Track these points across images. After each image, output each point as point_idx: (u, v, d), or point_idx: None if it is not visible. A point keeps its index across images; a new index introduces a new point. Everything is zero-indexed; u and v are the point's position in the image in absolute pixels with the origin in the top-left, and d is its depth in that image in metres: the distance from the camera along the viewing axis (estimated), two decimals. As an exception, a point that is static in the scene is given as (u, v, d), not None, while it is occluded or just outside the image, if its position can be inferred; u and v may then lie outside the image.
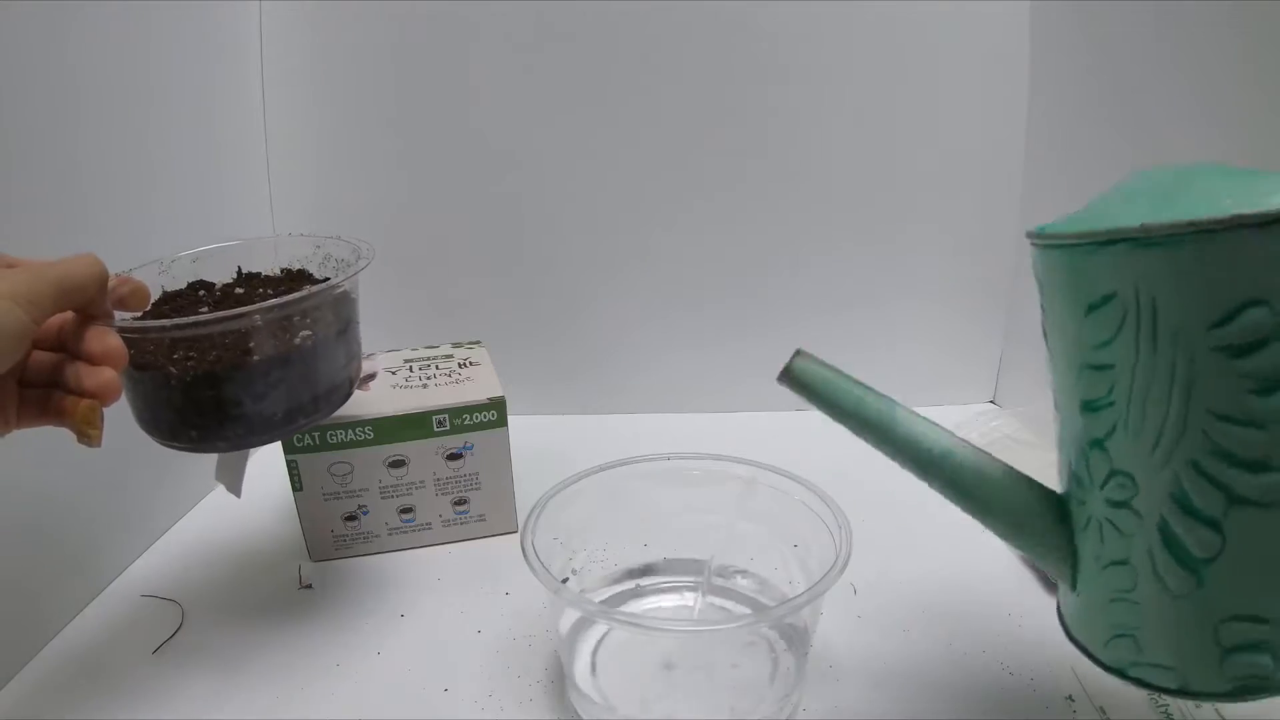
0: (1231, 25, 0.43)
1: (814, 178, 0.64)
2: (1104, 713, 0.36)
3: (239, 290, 0.41)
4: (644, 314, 0.66)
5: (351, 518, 0.48)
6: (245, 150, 0.62)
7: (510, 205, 0.65)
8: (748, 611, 0.41)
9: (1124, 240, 0.22)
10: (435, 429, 0.47)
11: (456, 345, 0.58)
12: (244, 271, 0.43)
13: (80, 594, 0.44)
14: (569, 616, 0.37)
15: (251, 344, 0.34)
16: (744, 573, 0.45)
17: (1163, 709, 0.36)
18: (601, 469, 0.41)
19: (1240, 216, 0.20)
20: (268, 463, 0.60)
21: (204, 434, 0.35)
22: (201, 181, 0.56)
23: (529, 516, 0.37)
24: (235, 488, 0.42)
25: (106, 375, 0.32)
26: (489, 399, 0.48)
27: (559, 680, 0.38)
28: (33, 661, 0.40)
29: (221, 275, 0.42)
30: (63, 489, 0.42)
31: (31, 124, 0.40)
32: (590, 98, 0.63)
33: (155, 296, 0.38)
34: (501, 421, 0.48)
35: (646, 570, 0.44)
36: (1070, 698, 0.37)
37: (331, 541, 0.48)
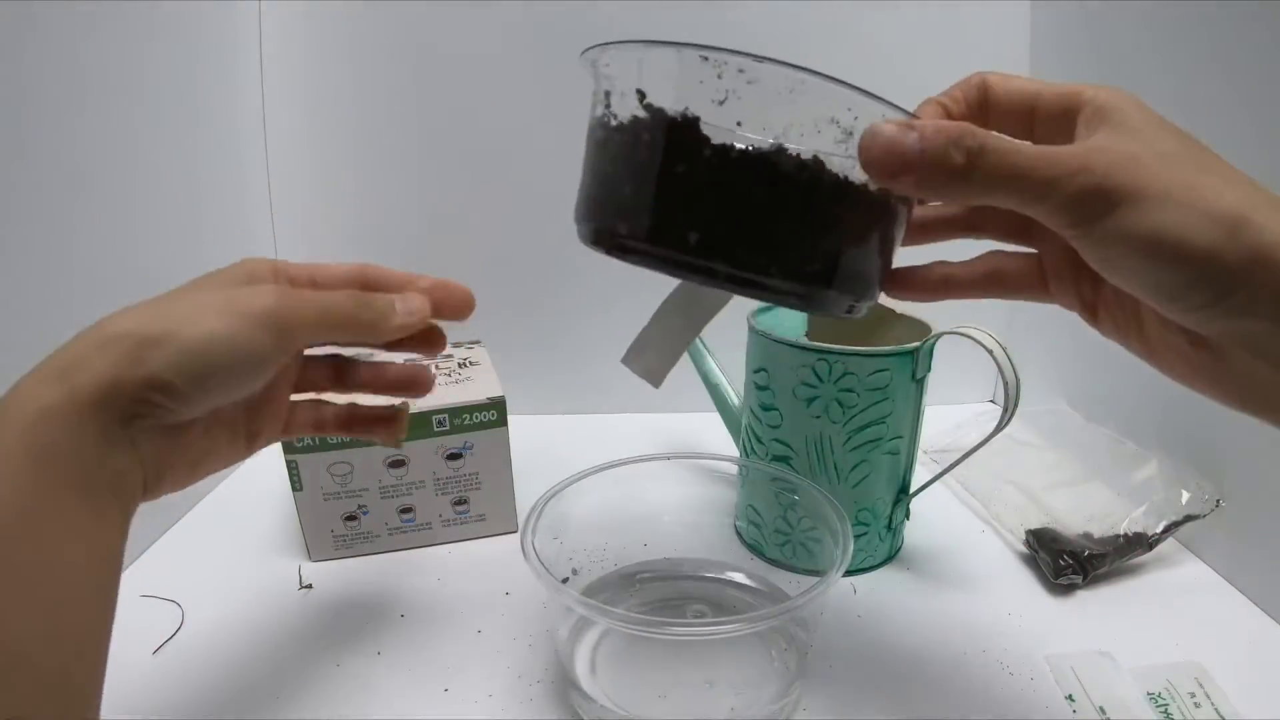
0: (1231, 26, 0.43)
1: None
2: (1104, 712, 0.36)
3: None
4: (644, 314, 0.66)
5: (351, 518, 0.48)
6: (245, 150, 0.62)
7: (510, 205, 0.65)
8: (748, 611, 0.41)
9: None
10: (435, 429, 0.47)
11: (456, 345, 0.58)
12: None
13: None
14: (569, 616, 0.37)
15: (826, 163, 0.25)
16: (744, 571, 0.45)
17: (1163, 709, 0.36)
18: (601, 469, 0.41)
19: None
20: (268, 463, 0.60)
21: (709, 243, 0.25)
22: (201, 181, 0.56)
23: (529, 516, 0.37)
24: (658, 374, 0.31)
25: (422, 372, 0.35)
26: (489, 399, 0.48)
27: (559, 680, 0.38)
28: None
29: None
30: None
31: (31, 123, 0.40)
32: (590, 98, 0.62)
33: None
34: (501, 421, 0.48)
35: (646, 570, 0.44)
36: (1070, 697, 0.37)
37: (331, 541, 0.48)
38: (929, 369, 0.44)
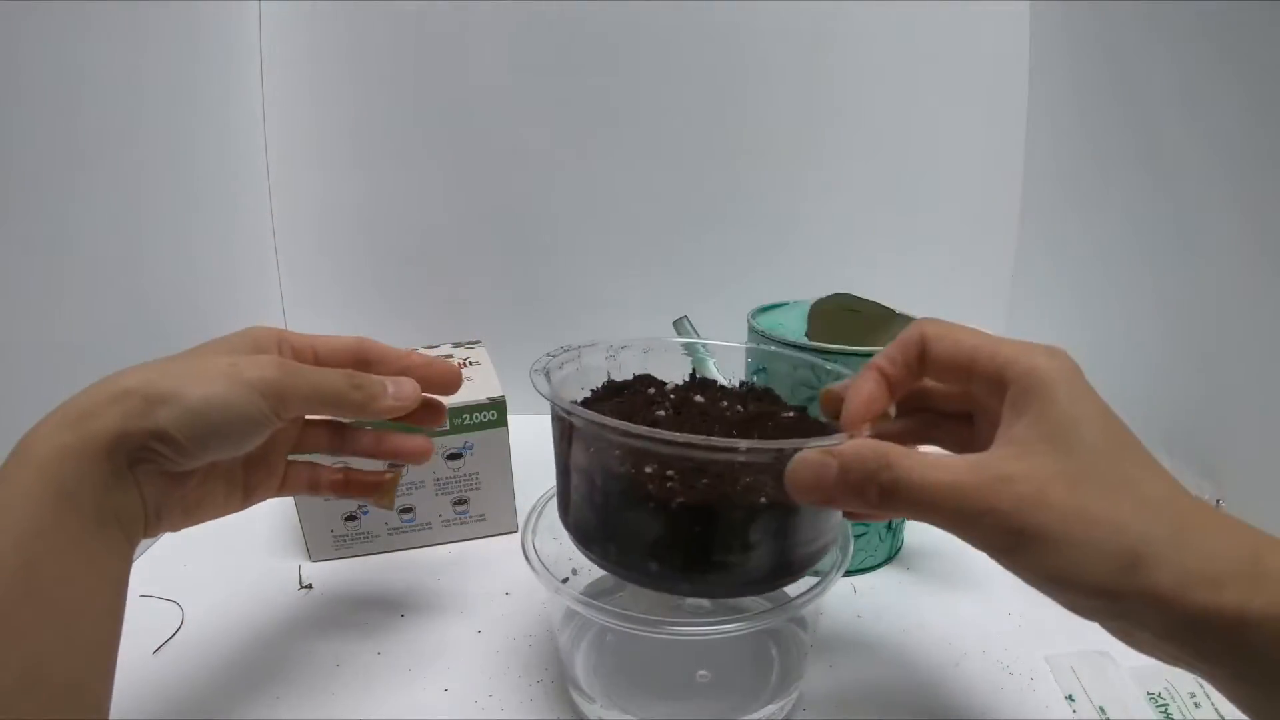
0: (1230, 26, 0.43)
1: (813, 183, 0.64)
2: (1104, 712, 0.36)
3: (697, 398, 0.34)
4: (644, 314, 0.66)
5: (351, 518, 0.48)
6: (245, 150, 0.62)
7: (510, 205, 0.65)
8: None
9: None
10: (435, 429, 0.47)
11: (456, 345, 0.58)
12: (696, 375, 0.38)
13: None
14: (569, 616, 0.37)
15: (750, 480, 0.28)
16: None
17: (1162, 708, 0.36)
18: (601, 469, 0.41)
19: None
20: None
21: (667, 572, 0.30)
22: (201, 182, 0.56)
23: (529, 516, 0.37)
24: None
25: (421, 444, 0.37)
26: (489, 399, 0.48)
27: (559, 680, 0.38)
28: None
29: (661, 369, 0.38)
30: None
31: (30, 123, 0.40)
32: (591, 98, 0.63)
33: (599, 382, 0.36)
34: (501, 421, 0.48)
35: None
36: (1070, 697, 0.37)
37: (331, 541, 0.48)
38: (929, 369, 0.44)
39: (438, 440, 0.47)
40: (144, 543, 0.50)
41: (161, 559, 0.49)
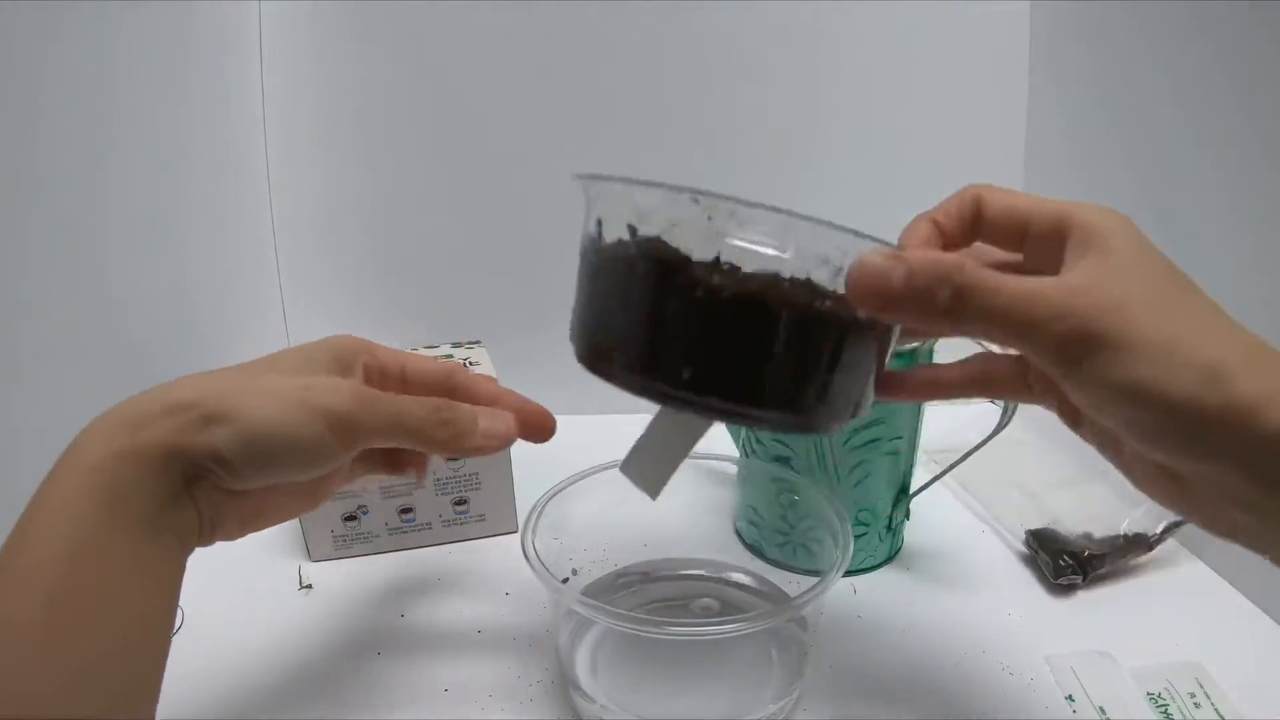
0: (1230, 26, 0.43)
1: (813, 183, 0.64)
2: (1104, 712, 0.36)
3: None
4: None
5: (351, 518, 0.48)
6: (245, 150, 0.62)
7: (511, 205, 0.65)
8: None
9: None
10: (435, 429, 0.47)
11: (456, 345, 0.57)
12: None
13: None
14: (569, 616, 0.37)
15: (806, 289, 0.25)
16: (744, 571, 0.45)
17: (1163, 709, 0.36)
18: (601, 469, 0.41)
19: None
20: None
21: (702, 379, 0.25)
22: (201, 181, 0.56)
23: (529, 516, 0.37)
24: (656, 486, 0.32)
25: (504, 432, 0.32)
26: (489, 399, 0.48)
27: (559, 680, 0.38)
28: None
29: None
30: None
31: (30, 123, 0.40)
32: (592, 97, 0.63)
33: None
34: (501, 421, 0.48)
35: (646, 570, 0.44)
36: (1070, 697, 0.37)
37: (331, 541, 0.48)
38: (929, 369, 0.44)
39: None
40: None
41: (161, 559, 0.49)
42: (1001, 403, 0.43)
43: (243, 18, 0.60)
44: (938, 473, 0.47)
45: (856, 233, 0.24)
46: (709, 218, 0.24)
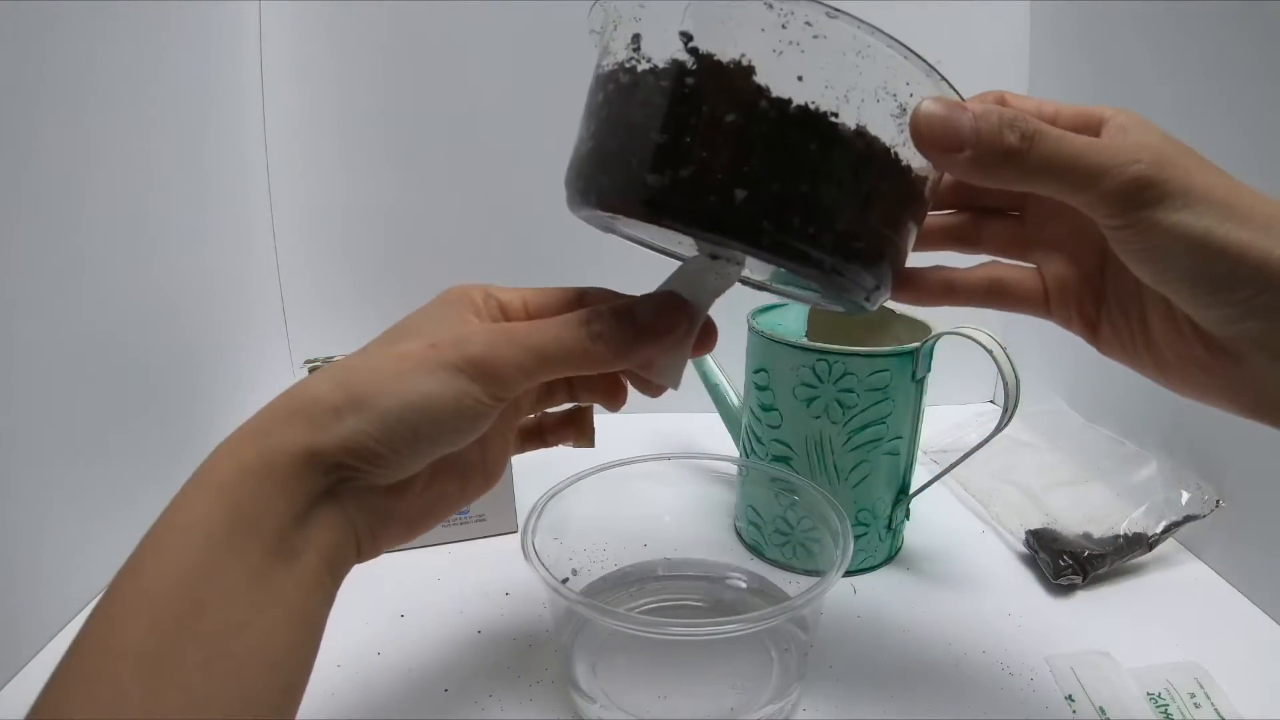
0: (1230, 25, 0.43)
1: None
2: (1104, 713, 0.36)
3: None
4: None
5: (351, 518, 0.48)
6: (245, 150, 0.62)
7: (511, 205, 0.65)
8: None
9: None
10: (435, 429, 0.47)
11: (456, 345, 0.57)
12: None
13: (80, 594, 0.44)
14: (569, 616, 0.37)
15: (891, 140, 0.24)
16: (744, 571, 0.45)
17: (1163, 709, 0.36)
18: (601, 469, 0.41)
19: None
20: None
21: (758, 202, 0.22)
22: (201, 181, 0.55)
23: (529, 516, 0.37)
24: (675, 374, 0.29)
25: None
26: (489, 399, 0.48)
27: (559, 680, 0.38)
28: (33, 662, 0.40)
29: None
30: (62, 487, 0.42)
31: (30, 123, 0.40)
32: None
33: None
34: (501, 421, 0.48)
35: (646, 570, 0.44)
36: (1070, 698, 0.37)
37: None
38: (929, 369, 0.44)
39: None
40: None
41: (161, 559, 0.49)
42: (1000, 403, 0.43)
43: (243, 18, 0.60)
44: (938, 473, 0.47)
45: (932, 69, 0.22)
46: (783, 25, 0.22)
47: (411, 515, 0.27)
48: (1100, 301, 0.28)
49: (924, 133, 0.22)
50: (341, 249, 0.67)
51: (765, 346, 0.45)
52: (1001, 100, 0.27)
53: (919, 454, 0.47)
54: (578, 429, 0.34)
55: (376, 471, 0.24)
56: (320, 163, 0.65)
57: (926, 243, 0.31)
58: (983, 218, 0.31)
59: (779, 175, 0.22)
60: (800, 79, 0.22)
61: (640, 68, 0.24)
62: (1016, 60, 0.62)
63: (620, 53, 0.25)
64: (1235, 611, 0.44)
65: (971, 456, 0.45)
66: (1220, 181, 0.22)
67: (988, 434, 0.44)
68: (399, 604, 0.44)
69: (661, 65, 0.23)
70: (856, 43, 0.22)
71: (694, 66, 0.22)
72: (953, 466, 0.47)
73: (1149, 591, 0.45)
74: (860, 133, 0.23)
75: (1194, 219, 0.22)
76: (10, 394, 0.39)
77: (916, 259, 0.29)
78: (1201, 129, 0.46)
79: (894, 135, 0.23)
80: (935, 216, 0.31)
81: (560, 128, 0.64)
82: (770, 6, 0.22)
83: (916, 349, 0.43)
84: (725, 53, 0.22)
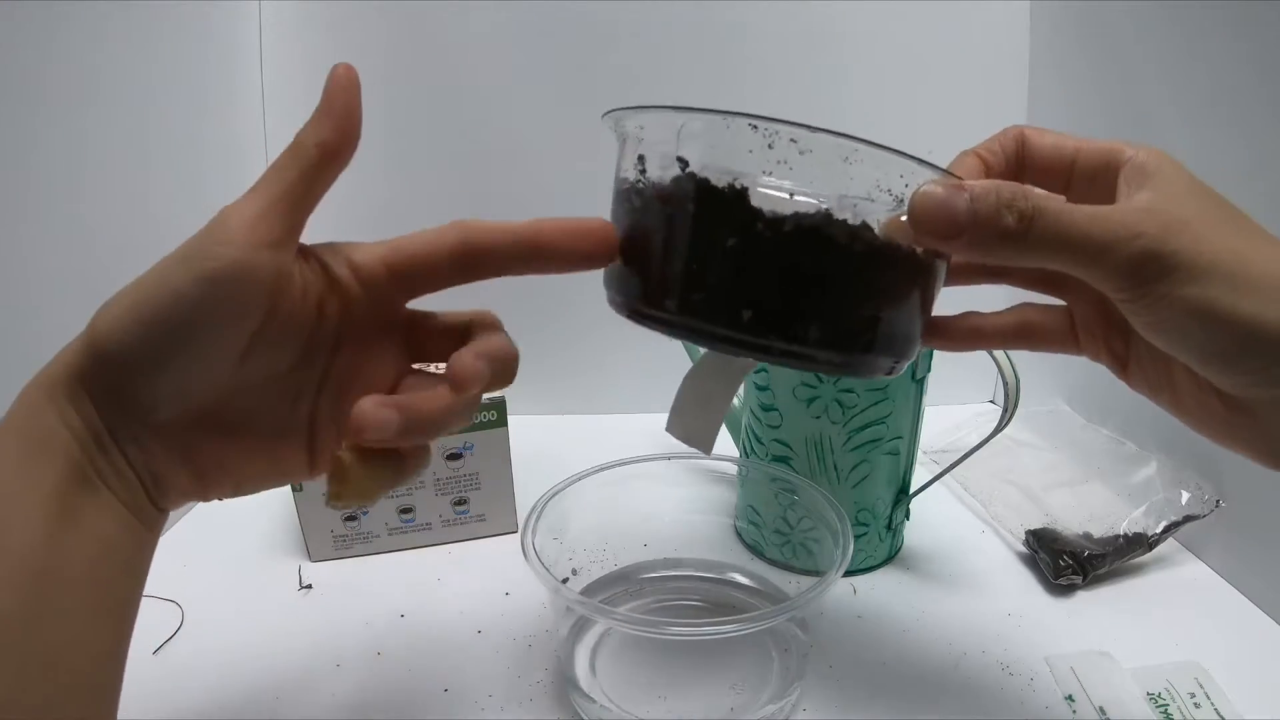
0: (1230, 25, 0.43)
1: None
2: (1104, 713, 0.36)
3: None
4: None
5: (351, 518, 0.48)
6: (245, 150, 0.62)
7: (511, 205, 0.65)
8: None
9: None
10: (435, 429, 0.47)
11: (456, 345, 0.58)
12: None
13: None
14: (569, 616, 0.37)
15: (862, 223, 0.24)
16: (744, 571, 0.45)
17: (1163, 709, 0.36)
18: (601, 469, 0.41)
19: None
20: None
21: (764, 319, 0.24)
22: (201, 181, 0.55)
23: (529, 516, 0.37)
24: (706, 439, 0.30)
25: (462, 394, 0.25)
26: (489, 399, 0.48)
27: (559, 680, 0.38)
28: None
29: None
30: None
31: (30, 123, 0.40)
32: (591, 97, 0.62)
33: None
34: (501, 421, 0.48)
35: (646, 570, 0.44)
36: (1070, 697, 0.37)
37: (331, 541, 0.48)
38: (929, 369, 0.44)
39: (438, 441, 0.47)
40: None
41: (162, 559, 0.49)
42: (1000, 403, 0.43)
43: (243, 18, 0.60)
44: (938, 473, 0.47)
45: (923, 161, 0.23)
46: (769, 145, 0.23)
47: (195, 465, 0.25)
48: (1128, 340, 0.28)
49: (920, 221, 0.22)
50: (341, 249, 0.67)
51: None
52: (1020, 138, 0.26)
53: (919, 454, 0.47)
54: (333, 473, 0.25)
55: (138, 381, 0.22)
56: (320, 163, 0.65)
57: (959, 278, 0.31)
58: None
59: (780, 293, 0.24)
60: (791, 196, 0.23)
61: (647, 191, 0.25)
62: (1016, 60, 0.62)
63: (630, 171, 0.26)
64: (1235, 611, 0.44)
65: (971, 456, 0.45)
66: (1231, 245, 0.22)
67: (988, 434, 0.44)
68: (399, 604, 0.44)
69: (665, 189, 0.25)
70: (842, 150, 0.23)
71: (693, 193, 0.24)
72: (953, 466, 0.47)
73: (1149, 591, 0.45)
74: (856, 237, 0.23)
75: (1201, 291, 0.21)
76: (10, 394, 0.38)
77: (947, 297, 0.29)
78: (1201, 129, 0.46)
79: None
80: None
81: (560, 128, 0.64)
82: (755, 127, 0.23)
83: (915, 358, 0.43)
84: (720, 178, 0.23)
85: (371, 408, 0.23)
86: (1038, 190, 0.22)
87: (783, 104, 0.63)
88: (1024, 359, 0.43)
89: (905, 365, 0.27)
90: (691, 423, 0.30)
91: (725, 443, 0.54)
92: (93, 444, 0.22)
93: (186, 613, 0.43)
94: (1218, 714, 0.36)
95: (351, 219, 0.69)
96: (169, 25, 0.51)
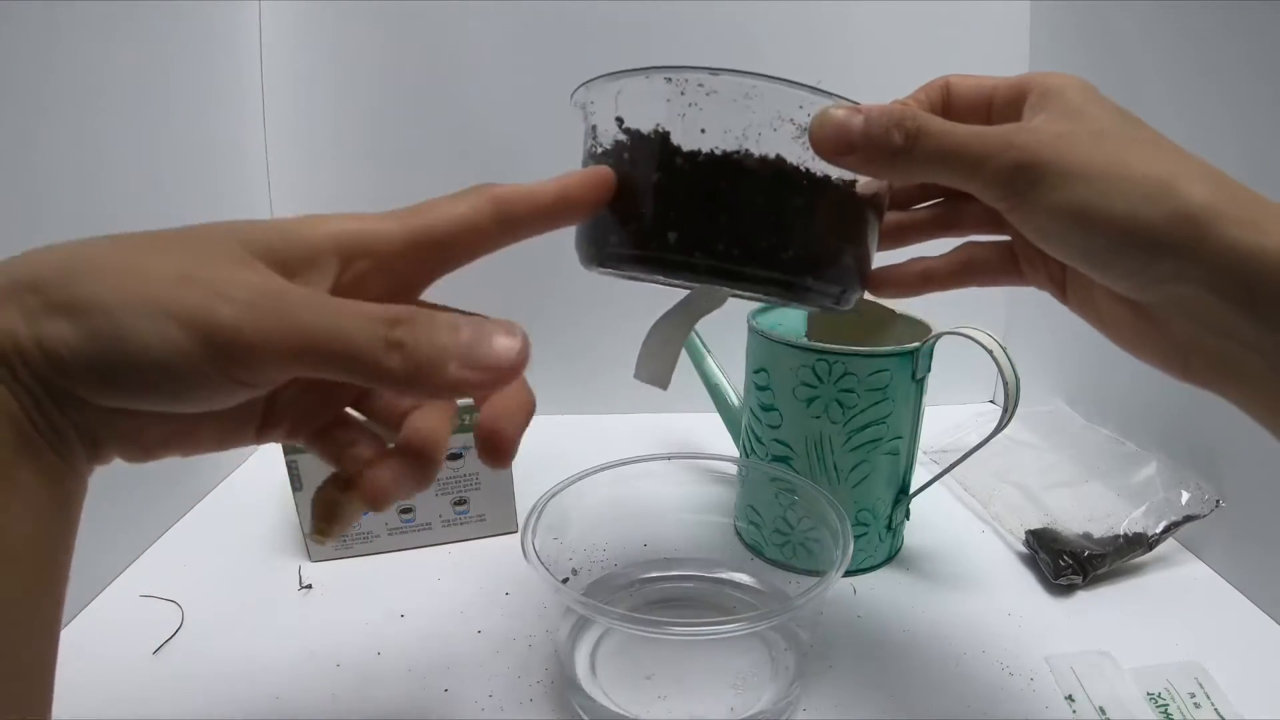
0: (1230, 25, 0.43)
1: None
2: (1104, 713, 0.36)
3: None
4: (641, 315, 0.66)
5: (351, 518, 0.48)
6: (245, 150, 0.62)
7: (510, 205, 0.65)
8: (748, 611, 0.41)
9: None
10: (435, 429, 0.47)
11: (456, 345, 0.58)
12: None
13: (80, 594, 0.44)
14: (569, 616, 0.37)
15: (798, 159, 0.26)
16: (744, 571, 0.45)
17: (1163, 709, 0.36)
18: (601, 469, 0.41)
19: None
20: (268, 463, 0.60)
21: (687, 239, 0.26)
22: (201, 181, 0.55)
23: (529, 516, 0.37)
24: (663, 377, 0.32)
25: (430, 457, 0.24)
26: (489, 399, 0.48)
27: (559, 680, 0.38)
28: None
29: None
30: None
31: (31, 123, 0.40)
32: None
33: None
34: (501, 421, 0.48)
35: (646, 570, 0.44)
36: (1070, 697, 0.37)
37: (332, 541, 0.48)
38: (929, 369, 0.44)
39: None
40: (144, 543, 0.50)
41: (161, 559, 0.49)
42: (1000, 403, 0.43)
43: (243, 18, 0.60)
44: (938, 473, 0.47)
45: (818, 90, 0.25)
46: (681, 92, 0.26)
47: (127, 436, 0.22)
48: (1064, 265, 0.28)
49: (815, 140, 0.24)
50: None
51: (765, 346, 0.45)
52: (945, 86, 0.28)
53: (919, 454, 0.47)
54: (323, 513, 0.24)
55: (78, 386, 0.19)
56: (320, 163, 0.65)
57: (908, 235, 0.32)
58: (961, 202, 0.31)
59: (699, 214, 0.26)
60: (703, 131, 0.26)
61: (597, 151, 0.29)
62: (1016, 60, 0.62)
63: (587, 141, 0.30)
64: (1235, 611, 0.44)
65: (971, 456, 0.45)
66: (1113, 152, 0.22)
67: (988, 434, 0.44)
68: (399, 604, 0.44)
69: (609, 147, 0.28)
70: (742, 88, 0.25)
71: (627, 142, 0.27)
72: (953, 466, 0.47)
73: (1149, 591, 0.45)
74: (764, 161, 0.26)
75: (1071, 194, 0.22)
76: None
77: (907, 252, 0.31)
78: (1201, 128, 0.46)
79: (800, 154, 0.26)
80: (920, 209, 0.33)
81: (560, 128, 0.64)
82: (669, 80, 0.26)
83: (916, 349, 0.43)
84: (645, 126, 0.27)
85: (391, 479, 0.24)
86: (926, 114, 0.24)
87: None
88: (1024, 359, 0.43)
89: (852, 298, 0.29)
90: (654, 364, 0.32)
91: (725, 442, 0.54)
92: (33, 405, 0.19)
93: (186, 613, 0.43)
94: (1218, 714, 0.36)
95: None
96: (169, 25, 0.51)
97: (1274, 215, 0.21)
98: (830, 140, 0.24)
